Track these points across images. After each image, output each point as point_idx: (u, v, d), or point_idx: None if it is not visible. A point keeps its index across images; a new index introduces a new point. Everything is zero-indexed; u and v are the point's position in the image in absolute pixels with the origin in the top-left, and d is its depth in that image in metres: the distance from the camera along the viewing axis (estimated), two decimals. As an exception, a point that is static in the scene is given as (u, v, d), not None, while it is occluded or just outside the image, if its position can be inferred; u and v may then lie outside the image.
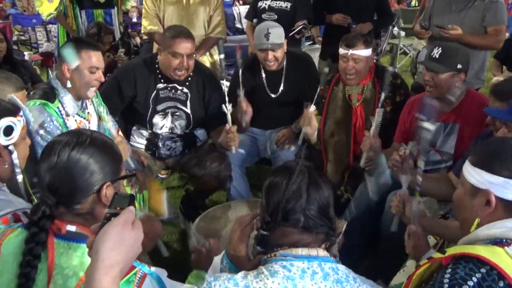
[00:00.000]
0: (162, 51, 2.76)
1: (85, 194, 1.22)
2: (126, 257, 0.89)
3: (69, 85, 2.28)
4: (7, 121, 1.56)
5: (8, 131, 1.57)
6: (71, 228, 1.20)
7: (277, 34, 2.94)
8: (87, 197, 1.22)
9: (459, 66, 2.32)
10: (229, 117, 2.58)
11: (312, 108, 2.69)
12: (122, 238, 0.89)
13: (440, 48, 2.36)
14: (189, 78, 2.86)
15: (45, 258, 1.16)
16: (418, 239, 1.75)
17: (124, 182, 1.66)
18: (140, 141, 2.98)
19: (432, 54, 2.38)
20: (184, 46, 2.69)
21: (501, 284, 1.07)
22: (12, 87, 2.15)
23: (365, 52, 2.74)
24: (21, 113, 1.64)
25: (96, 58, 2.29)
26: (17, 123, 1.59)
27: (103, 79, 2.36)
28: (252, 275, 1.18)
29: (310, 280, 1.16)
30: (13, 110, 1.62)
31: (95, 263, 0.87)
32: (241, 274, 1.19)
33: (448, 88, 2.36)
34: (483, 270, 1.09)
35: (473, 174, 1.25)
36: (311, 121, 2.68)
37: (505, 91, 1.99)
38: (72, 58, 2.17)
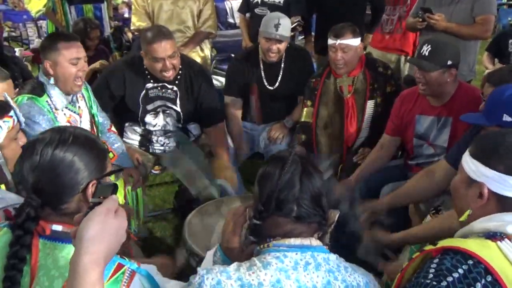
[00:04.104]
0: (145, 55, 2.71)
1: (71, 194, 1.18)
2: (110, 245, 0.89)
3: (52, 81, 2.26)
4: None
5: None
6: (57, 227, 1.17)
7: (287, 26, 2.95)
8: (73, 196, 1.18)
9: (449, 62, 2.31)
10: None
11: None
12: (105, 226, 0.89)
13: (430, 46, 2.34)
14: (178, 77, 2.83)
15: (29, 259, 1.13)
16: (389, 267, 1.83)
17: (112, 177, 1.63)
18: (133, 137, 2.97)
19: (421, 51, 2.36)
20: (163, 49, 2.60)
21: (489, 278, 1.06)
22: None
23: (354, 41, 2.75)
24: (11, 113, 1.59)
25: (75, 49, 2.26)
26: (3, 124, 1.55)
27: (86, 68, 2.35)
28: (245, 267, 1.18)
29: (303, 271, 1.17)
30: (1, 110, 1.57)
31: (78, 252, 0.87)
32: (233, 266, 1.18)
33: (439, 85, 2.35)
34: (470, 262, 1.09)
35: (470, 165, 1.25)
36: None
37: (499, 77, 2.04)
38: None
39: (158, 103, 2.86)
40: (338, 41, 2.72)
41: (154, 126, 2.91)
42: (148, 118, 2.88)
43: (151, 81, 2.81)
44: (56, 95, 2.28)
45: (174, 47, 2.68)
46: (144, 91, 2.81)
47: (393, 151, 2.71)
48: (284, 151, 1.36)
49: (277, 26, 2.90)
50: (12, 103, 1.63)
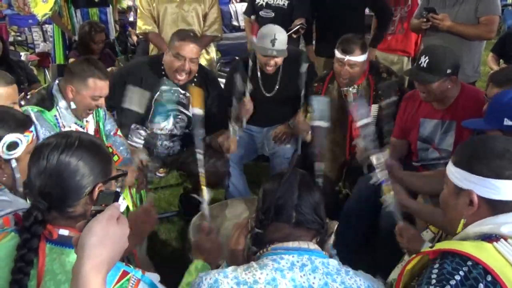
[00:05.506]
0: (168, 51, 2.78)
1: (77, 197, 1.19)
2: (112, 252, 0.90)
3: (73, 106, 2.31)
4: (13, 137, 1.55)
5: (12, 146, 1.55)
6: (64, 232, 1.18)
7: (283, 40, 2.90)
8: (79, 200, 1.20)
9: (448, 71, 2.28)
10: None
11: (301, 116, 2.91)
12: (107, 233, 0.89)
13: (427, 57, 2.31)
14: (193, 84, 2.84)
15: (36, 263, 1.14)
16: (408, 232, 1.76)
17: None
18: (137, 140, 2.98)
19: (420, 63, 2.34)
20: (188, 50, 2.70)
21: (489, 278, 1.08)
22: (1, 83, 2.14)
23: (362, 57, 2.71)
24: (31, 128, 1.62)
25: (101, 87, 2.31)
26: (23, 139, 1.57)
27: (103, 106, 2.40)
28: (242, 268, 1.22)
29: (300, 271, 1.19)
30: (24, 124, 1.60)
31: (81, 259, 0.87)
32: (231, 267, 1.23)
33: (441, 92, 2.34)
34: (469, 263, 1.10)
35: (455, 174, 1.26)
36: (304, 128, 2.87)
37: (503, 77, 2.05)
38: None
39: (170, 106, 2.88)
40: (347, 58, 2.68)
41: (161, 129, 2.92)
42: (157, 120, 2.90)
43: (166, 83, 2.84)
44: (65, 111, 2.32)
45: (199, 54, 2.80)
46: (158, 93, 2.84)
47: (404, 152, 2.69)
48: (285, 169, 1.43)
49: (273, 41, 2.85)
50: (34, 118, 1.65)
